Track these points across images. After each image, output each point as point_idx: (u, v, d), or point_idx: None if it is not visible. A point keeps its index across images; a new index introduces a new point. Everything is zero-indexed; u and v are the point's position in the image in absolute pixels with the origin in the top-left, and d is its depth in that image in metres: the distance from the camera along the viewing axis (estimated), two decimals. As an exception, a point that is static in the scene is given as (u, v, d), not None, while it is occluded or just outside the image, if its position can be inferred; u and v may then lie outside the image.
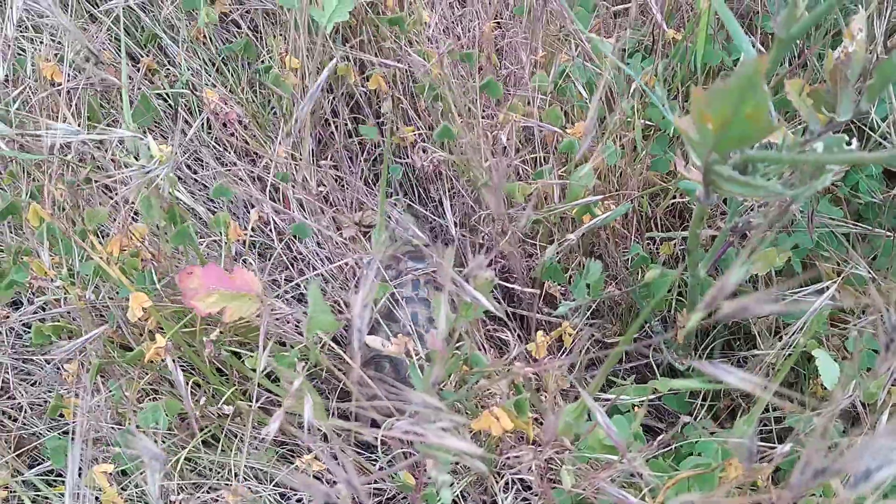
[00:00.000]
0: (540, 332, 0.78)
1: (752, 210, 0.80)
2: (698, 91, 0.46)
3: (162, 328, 0.87)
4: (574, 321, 0.88)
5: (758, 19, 1.02)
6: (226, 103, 1.06)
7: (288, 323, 0.94)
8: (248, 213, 1.15)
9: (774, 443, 0.87)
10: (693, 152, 0.51)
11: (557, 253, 0.90)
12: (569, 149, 0.91)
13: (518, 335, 1.03)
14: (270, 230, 1.09)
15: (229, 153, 1.15)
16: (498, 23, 1.14)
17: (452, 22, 1.17)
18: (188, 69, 1.14)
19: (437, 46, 1.07)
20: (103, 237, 1.03)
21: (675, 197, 0.97)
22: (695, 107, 0.47)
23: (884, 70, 0.49)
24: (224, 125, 1.11)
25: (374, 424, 0.89)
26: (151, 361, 0.83)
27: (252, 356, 1.03)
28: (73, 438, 0.95)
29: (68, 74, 1.04)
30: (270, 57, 1.13)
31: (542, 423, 0.70)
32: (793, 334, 0.84)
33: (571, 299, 0.90)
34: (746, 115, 0.44)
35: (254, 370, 0.81)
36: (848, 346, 0.82)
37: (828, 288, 0.79)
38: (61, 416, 0.93)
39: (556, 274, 0.89)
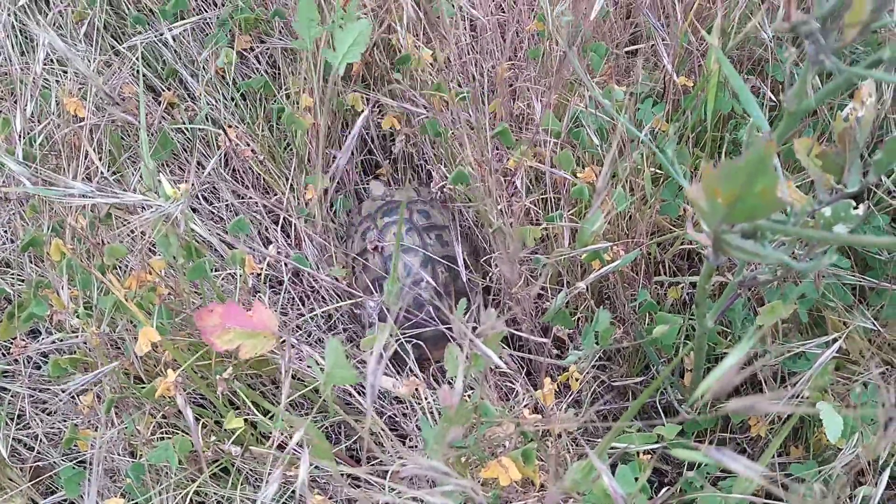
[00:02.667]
0: (547, 380, 0.79)
1: (759, 265, 0.82)
2: (709, 168, 0.48)
3: (176, 361, 0.89)
4: (581, 365, 0.89)
5: (768, 67, 1.03)
6: (240, 140, 1.08)
7: (301, 361, 0.96)
8: (263, 245, 1.17)
9: (778, 488, 0.87)
10: (703, 220, 0.53)
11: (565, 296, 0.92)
12: (580, 194, 0.93)
13: (524, 374, 1.04)
14: (283, 264, 1.11)
15: (246, 188, 1.17)
16: (512, 63, 1.16)
17: (466, 61, 1.19)
18: (207, 104, 1.17)
19: (449, 86, 1.09)
20: (121, 269, 1.05)
21: (683, 242, 0.98)
22: (706, 181, 0.48)
23: (891, 146, 0.51)
24: (239, 159, 1.14)
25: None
26: (164, 396, 0.84)
27: (265, 388, 1.05)
28: (87, 468, 0.97)
29: (91, 110, 1.07)
30: (287, 95, 1.16)
31: (549, 471, 0.71)
32: (798, 383, 0.85)
33: (579, 345, 0.91)
34: (756, 193, 0.46)
35: (268, 412, 0.83)
36: (852, 397, 0.83)
37: (834, 341, 0.80)
38: (76, 446, 0.94)
39: (564, 319, 0.90)
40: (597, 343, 0.82)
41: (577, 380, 0.87)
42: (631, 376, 1.01)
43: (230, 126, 1.15)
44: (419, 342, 1.03)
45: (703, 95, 0.92)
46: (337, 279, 1.09)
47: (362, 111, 1.11)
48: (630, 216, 0.98)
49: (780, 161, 0.92)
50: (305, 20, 1.03)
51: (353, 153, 1.27)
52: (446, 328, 1.01)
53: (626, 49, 1.21)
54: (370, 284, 1.08)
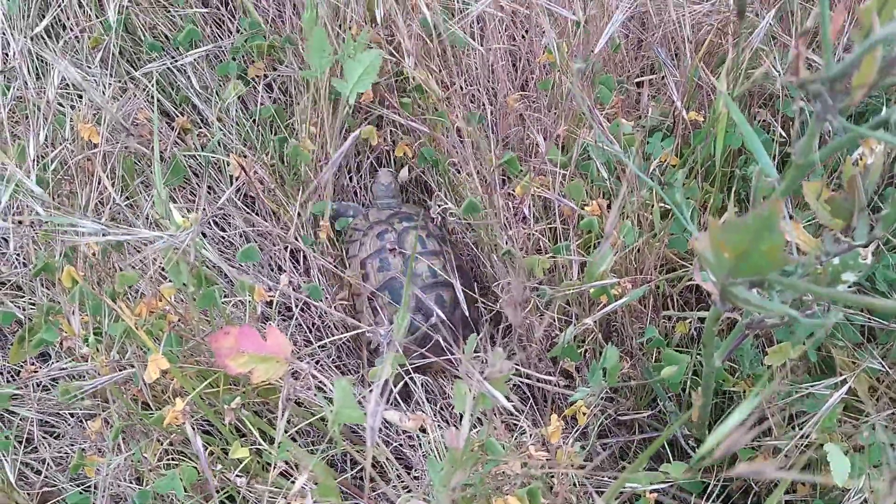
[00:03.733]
0: (554, 417, 0.80)
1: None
2: (716, 223, 0.48)
3: (184, 388, 0.90)
4: (588, 399, 0.89)
5: (778, 103, 1.03)
6: (249, 168, 1.09)
7: (309, 389, 0.96)
8: (273, 271, 1.18)
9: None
10: (710, 271, 0.53)
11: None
12: (588, 226, 0.93)
13: (530, 403, 1.04)
14: (293, 291, 1.11)
15: (256, 214, 1.18)
16: (522, 94, 1.17)
17: (474, 88, 1.19)
18: (220, 130, 1.18)
19: (456, 113, 1.10)
20: (131, 295, 1.06)
21: (692, 277, 0.98)
22: (712, 236, 0.48)
23: (898, 201, 0.51)
24: (249, 186, 1.15)
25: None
26: (172, 423, 0.85)
27: (272, 415, 1.06)
28: (94, 494, 0.97)
29: (105, 136, 1.08)
30: (299, 121, 1.17)
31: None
32: (806, 423, 0.84)
33: (586, 377, 0.91)
34: (762, 251, 0.46)
35: (274, 441, 0.83)
36: (860, 438, 0.83)
37: (843, 382, 0.80)
38: (83, 472, 0.95)
39: (572, 353, 0.91)
40: (605, 379, 0.82)
41: (584, 414, 0.87)
42: (638, 409, 1.01)
43: (242, 155, 1.16)
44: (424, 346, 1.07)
45: (713, 132, 0.92)
46: (345, 310, 1.10)
47: (356, 132, 1.12)
48: (638, 249, 0.98)
49: (789, 199, 0.92)
50: (317, 50, 1.04)
51: (362, 177, 1.28)
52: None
53: (637, 79, 1.22)
54: (385, 286, 1.10)
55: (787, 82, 0.48)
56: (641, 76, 1.21)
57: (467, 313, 1.03)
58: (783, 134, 1.02)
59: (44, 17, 1.21)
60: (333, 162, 1.06)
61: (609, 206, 0.98)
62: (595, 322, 0.90)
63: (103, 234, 0.75)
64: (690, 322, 0.99)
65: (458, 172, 1.10)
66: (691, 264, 1.01)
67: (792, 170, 0.54)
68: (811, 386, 0.83)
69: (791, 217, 0.89)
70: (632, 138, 1.00)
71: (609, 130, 0.96)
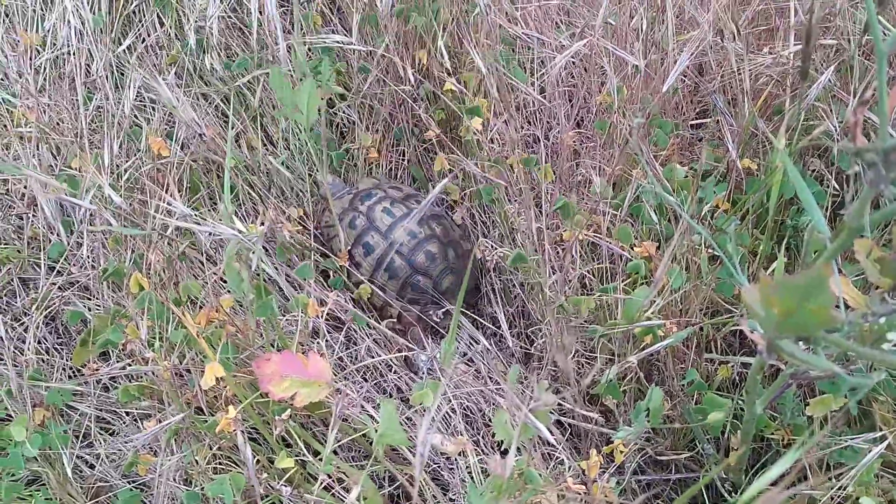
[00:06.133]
0: (593, 451, 0.81)
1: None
2: (766, 279, 0.50)
3: (237, 397, 0.93)
4: (628, 438, 0.90)
5: (833, 155, 1.04)
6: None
7: (353, 406, 0.99)
8: (324, 284, 1.22)
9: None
10: (758, 324, 0.55)
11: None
12: (635, 270, 0.95)
13: (567, 434, 1.06)
14: (342, 308, 1.15)
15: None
16: (579, 129, 1.20)
17: (531, 124, 1.22)
18: (285, 149, 1.23)
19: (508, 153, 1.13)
20: (189, 305, 1.10)
21: (737, 322, 0.99)
22: (763, 291, 0.50)
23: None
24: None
25: None
26: (223, 430, 0.88)
27: (317, 428, 1.09)
28: (144, 491, 1.01)
29: (175, 149, 1.13)
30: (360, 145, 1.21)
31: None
32: (844, 476, 0.85)
33: (624, 414, 0.93)
34: (810, 310, 0.48)
35: (318, 454, 0.86)
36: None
37: (882, 438, 0.80)
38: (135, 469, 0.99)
39: (614, 391, 0.92)
40: (648, 420, 0.84)
41: (621, 452, 0.88)
42: (676, 450, 1.02)
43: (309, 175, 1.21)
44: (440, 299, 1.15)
45: (766, 180, 0.94)
46: (393, 329, 1.13)
47: (457, 197, 1.16)
48: (685, 292, 1.00)
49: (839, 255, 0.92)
50: (278, 89, 1.05)
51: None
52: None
53: (693, 122, 1.24)
54: (378, 266, 1.16)
55: (843, 148, 0.50)
56: (696, 119, 1.23)
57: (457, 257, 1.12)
58: (836, 186, 1.03)
59: (126, 31, 1.28)
60: (421, 209, 1.10)
61: (658, 249, 1.00)
62: (637, 361, 0.92)
63: (187, 219, 0.79)
64: (733, 366, 1.00)
65: (517, 215, 1.13)
66: (737, 309, 1.02)
67: (844, 231, 0.55)
68: (851, 439, 0.84)
69: (840, 271, 0.90)
70: (685, 182, 1.02)
71: (663, 174, 0.98)
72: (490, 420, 1.08)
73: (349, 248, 1.17)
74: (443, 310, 1.17)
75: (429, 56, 1.22)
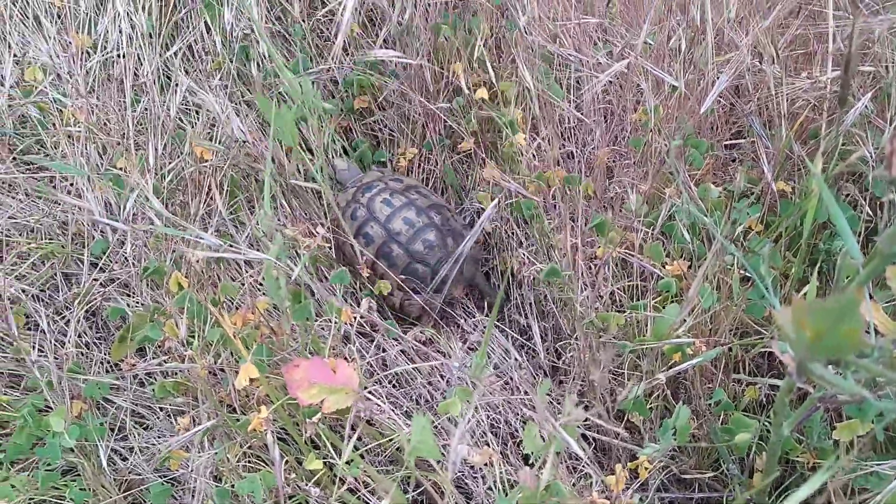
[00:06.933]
0: (619, 466, 0.82)
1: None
2: (799, 302, 0.51)
3: (269, 397, 0.96)
4: (653, 455, 0.91)
5: (867, 181, 1.04)
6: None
7: (382, 412, 1.01)
8: (356, 292, 1.24)
9: None
10: (789, 346, 0.55)
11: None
12: (667, 288, 0.96)
13: (592, 448, 1.06)
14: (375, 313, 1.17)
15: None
16: (613, 144, 1.21)
17: (568, 140, 1.24)
18: (322, 157, 1.25)
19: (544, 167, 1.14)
20: (225, 305, 1.13)
21: (766, 344, 1.00)
22: (795, 313, 0.51)
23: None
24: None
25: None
26: (255, 430, 0.90)
27: (345, 431, 1.11)
28: (175, 486, 1.04)
29: (216, 153, 1.16)
30: (394, 158, 1.23)
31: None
32: (868, 501, 0.85)
33: (650, 430, 0.93)
34: (841, 334, 0.49)
35: (349, 462, 0.88)
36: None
37: (910, 466, 0.80)
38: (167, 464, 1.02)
39: (641, 408, 0.93)
40: (674, 438, 0.84)
41: (646, 468, 0.89)
42: (700, 468, 1.02)
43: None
44: (440, 286, 1.18)
45: (801, 204, 0.94)
46: (420, 340, 1.14)
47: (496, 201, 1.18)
48: (715, 311, 1.00)
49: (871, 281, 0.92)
50: (266, 112, 1.06)
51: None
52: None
53: (727, 142, 1.24)
54: (379, 256, 1.19)
55: (878, 176, 0.51)
56: (731, 140, 1.24)
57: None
58: (869, 212, 1.03)
59: (173, 37, 1.32)
60: (470, 237, 1.12)
61: (689, 267, 1.00)
62: (665, 379, 0.93)
63: (218, 249, 0.82)
64: (760, 388, 1.01)
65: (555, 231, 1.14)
66: (766, 330, 1.03)
67: (876, 258, 0.56)
68: (876, 464, 0.84)
69: (871, 296, 0.91)
70: (718, 202, 1.03)
71: (697, 194, 0.99)
72: (515, 431, 1.09)
73: (353, 238, 1.20)
74: (441, 297, 1.20)
75: (465, 69, 1.24)
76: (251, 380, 0.93)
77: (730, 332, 1.01)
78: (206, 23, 1.30)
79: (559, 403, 1.08)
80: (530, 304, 1.20)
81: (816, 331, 0.50)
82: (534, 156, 1.14)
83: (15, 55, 1.32)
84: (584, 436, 1.06)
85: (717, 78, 1.02)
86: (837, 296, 0.47)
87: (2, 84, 1.27)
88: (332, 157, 1.28)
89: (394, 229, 1.17)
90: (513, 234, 1.23)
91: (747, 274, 0.99)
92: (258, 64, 1.33)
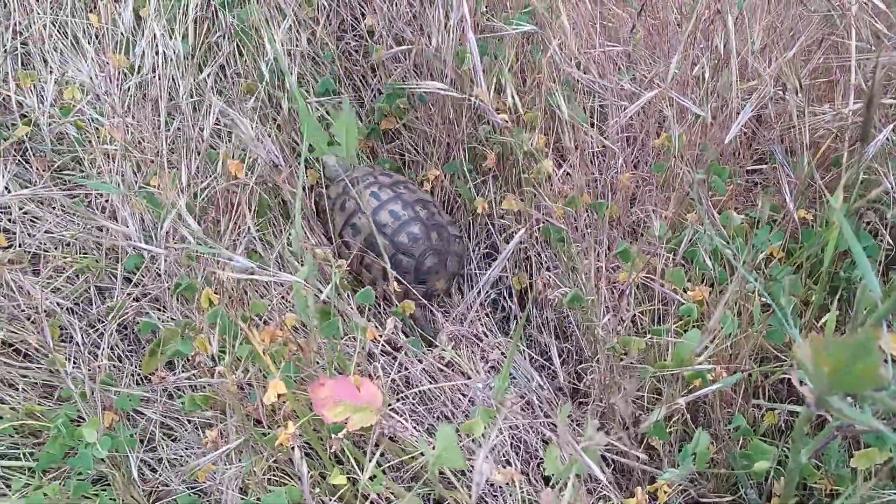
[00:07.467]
0: (639, 489, 0.84)
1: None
2: (818, 338, 0.53)
3: (295, 412, 0.98)
4: (672, 478, 0.92)
5: (887, 211, 1.05)
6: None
7: (405, 430, 1.03)
8: (381, 310, 1.27)
9: None
10: (808, 379, 0.57)
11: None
12: (688, 313, 0.97)
13: (611, 469, 1.08)
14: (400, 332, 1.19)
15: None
16: (635, 169, 1.23)
17: (591, 163, 1.25)
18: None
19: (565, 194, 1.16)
20: (254, 321, 1.16)
21: (786, 371, 1.01)
22: (814, 349, 0.53)
23: None
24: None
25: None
26: (281, 444, 0.93)
27: (368, 447, 1.13)
28: (202, 497, 1.06)
29: (247, 172, 1.19)
30: (423, 179, 1.26)
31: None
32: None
33: (669, 453, 0.95)
34: (858, 370, 0.50)
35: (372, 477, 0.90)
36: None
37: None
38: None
39: (660, 432, 0.95)
40: (694, 464, 0.86)
41: (665, 492, 0.90)
42: (718, 493, 1.03)
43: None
44: (423, 278, 1.23)
45: (822, 235, 0.95)
46: (443, 358, 1.16)
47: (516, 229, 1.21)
48: (735, 338, 1.01)
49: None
50: (313, 132, 1.09)
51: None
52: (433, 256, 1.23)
53: (749, 167, 1.26)
54: (366, 247, 1.24)
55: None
56: (753, 165, 1.25)
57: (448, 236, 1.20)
58: (890, 241, 1.04)
59: (206, 59, 1.35)
60: (497, 265, 1.14)
61: (711, 293, 1.02)
62: (685, 403, 0.94)
63: (251, 273, 0.84)
64: (779, 413, 1.02)
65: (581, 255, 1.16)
66: (786, 356, 1.04)
67: (894, 292, 0.58)
68: (894, 493, 0.85)
69: (889, 326, 0.92)
70: (740, 229, 1.04)
71: (719, 221, 1.00)
72: (536, 451, 1.11)
73: (340, 230, 1.25)
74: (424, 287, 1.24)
75: (490, 94, 1.26)
76: (278, 395, 0.96)
77: (750, 358, 1.02)
78: (238, 45, 1.34)
79: (579, 425, 1.10)
80: (552, 325, 1.22)
81: (835, 367, 0.52)
82: (561, 181, 1.17)
83: (52, 71, 1.36)
84: (603, 457, 1.07)
85: (741, 106, 1.03)
86: (855, 334, 0.49)
87: (42, 102, 1.31)
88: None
89: (380, 221, 1.21)
90: (533, 253, 1.25)
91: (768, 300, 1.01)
92: (287, 88, 1.36)
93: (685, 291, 1.02)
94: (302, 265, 0.98)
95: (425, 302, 1.25)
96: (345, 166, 1.31)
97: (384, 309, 1.26)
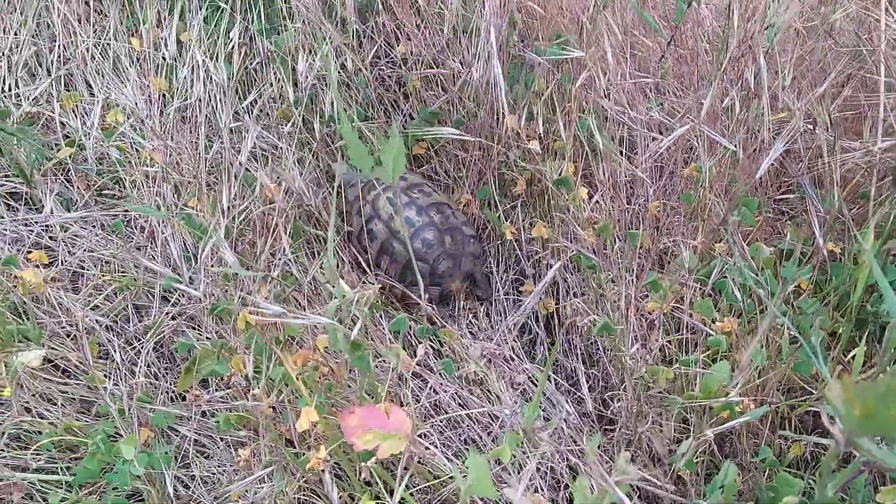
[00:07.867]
0: (667, 520, 0.85)
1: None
2: (849, 380, 0.54)
3: (326, 436, 1.00)
4: (698, 507, 0.93)
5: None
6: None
7: (434, 456, 1.05)
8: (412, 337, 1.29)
9: None
10: (838, 419, 0.58)
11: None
12: (717, 344, 0.98)
13: (637, 498, 1.09)
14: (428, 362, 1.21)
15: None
16: (664, 198, 1.24)
17: (618, 192, 1.27)
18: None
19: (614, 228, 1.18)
20: (290, 339, 1.18)
21: (812, 403, 1.02)
22: (845, 391, 0.54)
23: None
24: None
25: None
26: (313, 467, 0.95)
27: (396, 469, 1.15)
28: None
29: (283, 197, 1.22)
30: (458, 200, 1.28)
31: None
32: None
33: (695, 482, 0.95)
34: (888, 415, 0.52)
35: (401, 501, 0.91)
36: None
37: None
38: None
39: (688, 463, 0.95)
40: (722, 497, 0.87)
41: (692, 522, 0.91)
42: (743, 522, 1.04)
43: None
44: (438, 281, 1.26)
45: (851, 271, 0.96)
46: (476, 374, 1.18)
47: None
48: (763, 369, 1.02)
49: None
50: (359, 155, 1.12)
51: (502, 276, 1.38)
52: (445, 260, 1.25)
53: (777, 197, 1.27)
54: (382, 252, 1.27)
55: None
56: (781, 195, 1.26)
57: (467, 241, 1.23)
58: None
59: (243, 82, 1.39)
60: (528, 302, 1.16)
61: (739, 323, 1.03)
62: (713, 435, 0.95)
63: (282, 316, 0.87)
64: (806, 445, 1.02)
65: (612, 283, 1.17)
66: (813, 388, 1.04)
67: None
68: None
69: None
70: (768, 260, 1.05)
71: (748, 253, 1.02)
72: (561, 476, 1.12)
73: (357, 235, 1.29)
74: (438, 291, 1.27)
75: (519, 122, 1.29)
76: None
77: (777, 390, 1.03)
78: (275, 72, 1.38)
79: (605, 452, 1.11)
80: (579, 350, 1.23)
81: (865, 409, 0.53)
82: (591, 209, 1.18)
83: (93, 94, 1.41)
84: (630, 485, 1.08)
85: (771, 139, 1.05)
86: (884, 379, 0.50)
87: (84, 124, 1.35)
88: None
89: (395, 227, 1.26)
90: (560, 278, 1.27)
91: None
92: (321, 113, 1.39)
93: (713, 322, 1.03)
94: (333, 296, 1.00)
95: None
96: (353, 173, 1.34)
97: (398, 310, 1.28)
